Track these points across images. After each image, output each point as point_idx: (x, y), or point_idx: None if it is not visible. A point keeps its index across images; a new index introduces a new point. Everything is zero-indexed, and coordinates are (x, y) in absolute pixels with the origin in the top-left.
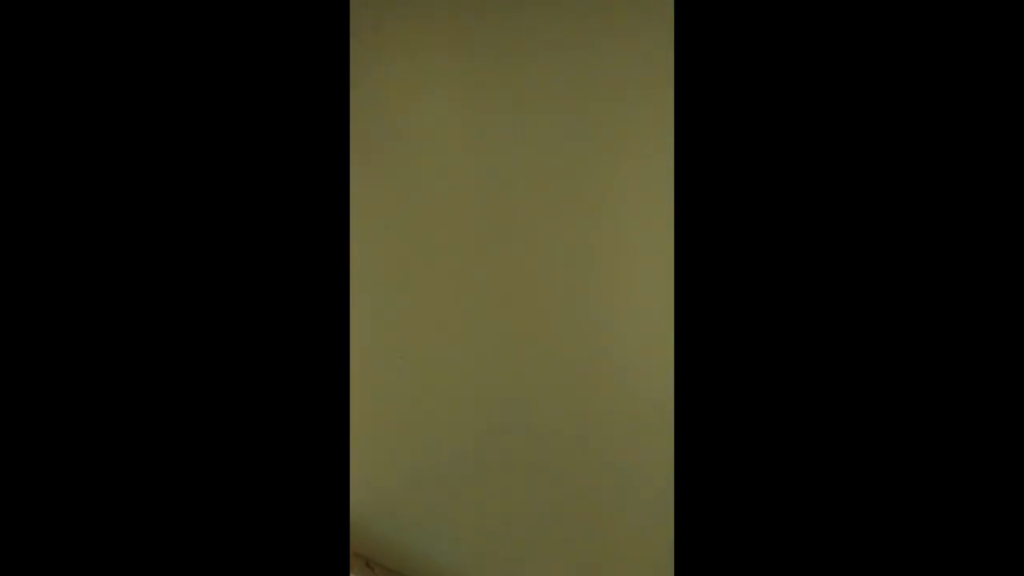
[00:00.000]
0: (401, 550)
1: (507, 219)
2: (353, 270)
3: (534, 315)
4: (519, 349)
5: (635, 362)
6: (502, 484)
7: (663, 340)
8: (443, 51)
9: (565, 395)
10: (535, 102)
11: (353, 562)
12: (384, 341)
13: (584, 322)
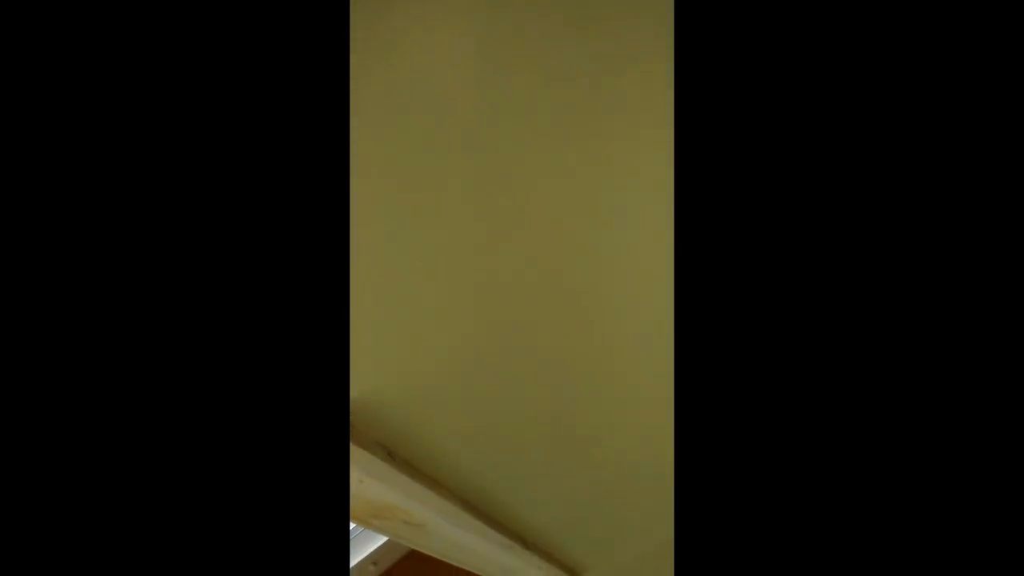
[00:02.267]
0: (420, 443)
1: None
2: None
3: (548, 238)
4: (540, 258)
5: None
6: (519, 390)
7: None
8: None
9: (578, 308)
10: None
11: (375, 450)
12: (403, 244)
13: (593, 245)
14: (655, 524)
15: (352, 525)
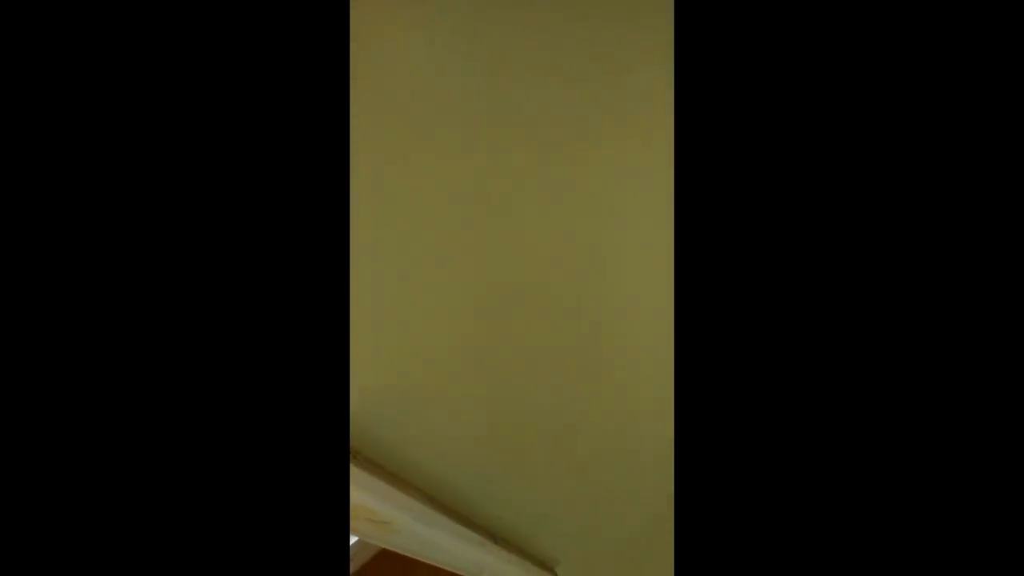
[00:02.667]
0: (385, 444)
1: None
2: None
3: (537, 236)
4: (521, 264)
5: (639, 289)
6: (484, 385)
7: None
8: None
9: (569, 313)
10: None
11: None
12: (384, 250)
13: (587, 240)
14: (625, 517)
15: None
